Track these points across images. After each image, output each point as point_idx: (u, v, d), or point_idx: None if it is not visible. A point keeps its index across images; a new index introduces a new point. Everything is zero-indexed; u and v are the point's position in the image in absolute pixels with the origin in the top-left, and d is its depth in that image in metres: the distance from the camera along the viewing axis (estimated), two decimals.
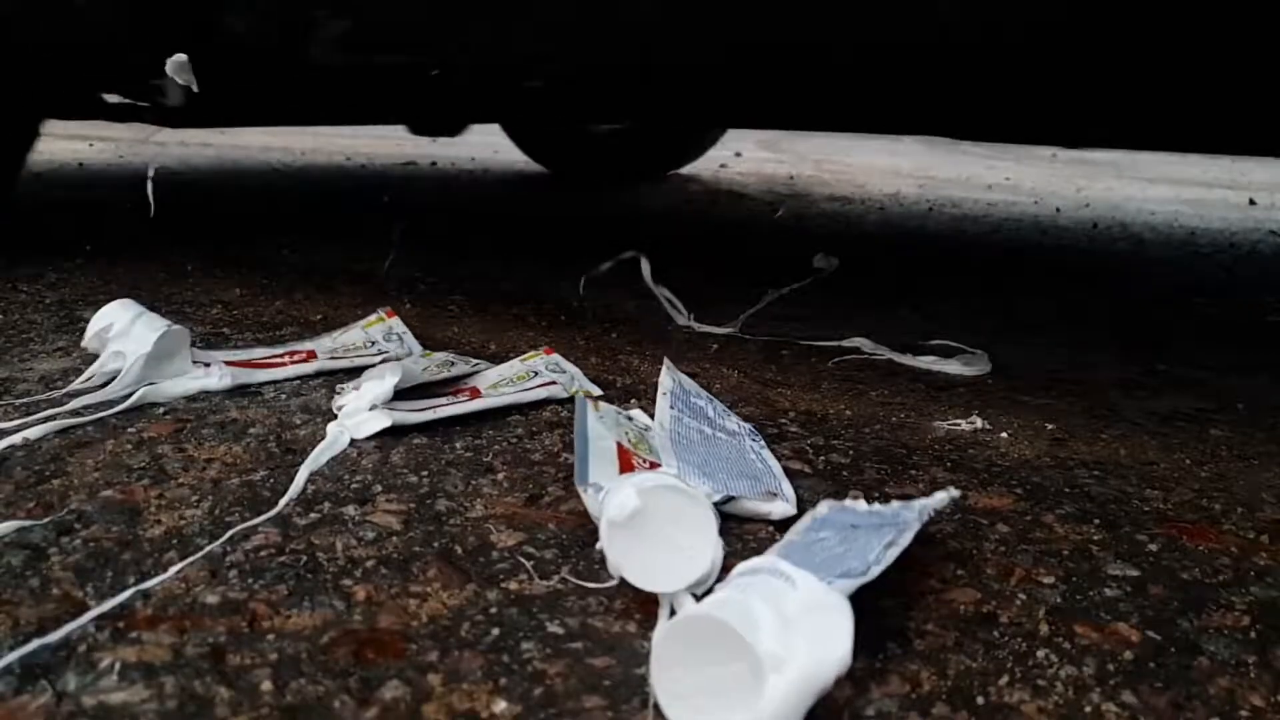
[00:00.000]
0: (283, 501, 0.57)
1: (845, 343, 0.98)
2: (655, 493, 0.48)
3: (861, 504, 0.53)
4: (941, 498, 0.54)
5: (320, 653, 0.43)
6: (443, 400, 0.73)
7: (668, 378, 0.74)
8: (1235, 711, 0.43)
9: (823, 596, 0.40)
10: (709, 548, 0.48)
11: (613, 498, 0.49)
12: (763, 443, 0.69)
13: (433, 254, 1.43)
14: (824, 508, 0.52)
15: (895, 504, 0.54)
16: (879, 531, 0.51)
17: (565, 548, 0.54)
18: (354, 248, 1.45)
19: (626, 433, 0.66)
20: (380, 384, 0.69)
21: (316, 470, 0.62)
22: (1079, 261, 1.76)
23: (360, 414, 0.68)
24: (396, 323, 0.92)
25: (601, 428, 0.65)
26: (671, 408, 0.70)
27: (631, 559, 0.48)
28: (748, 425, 0.72)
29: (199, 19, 0.94)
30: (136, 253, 1.31)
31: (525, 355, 0.82)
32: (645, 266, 1.06)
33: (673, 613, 0.46)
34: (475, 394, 0.75)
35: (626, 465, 0.61)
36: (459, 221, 1.85)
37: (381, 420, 0.68)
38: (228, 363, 0.78)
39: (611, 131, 2.46)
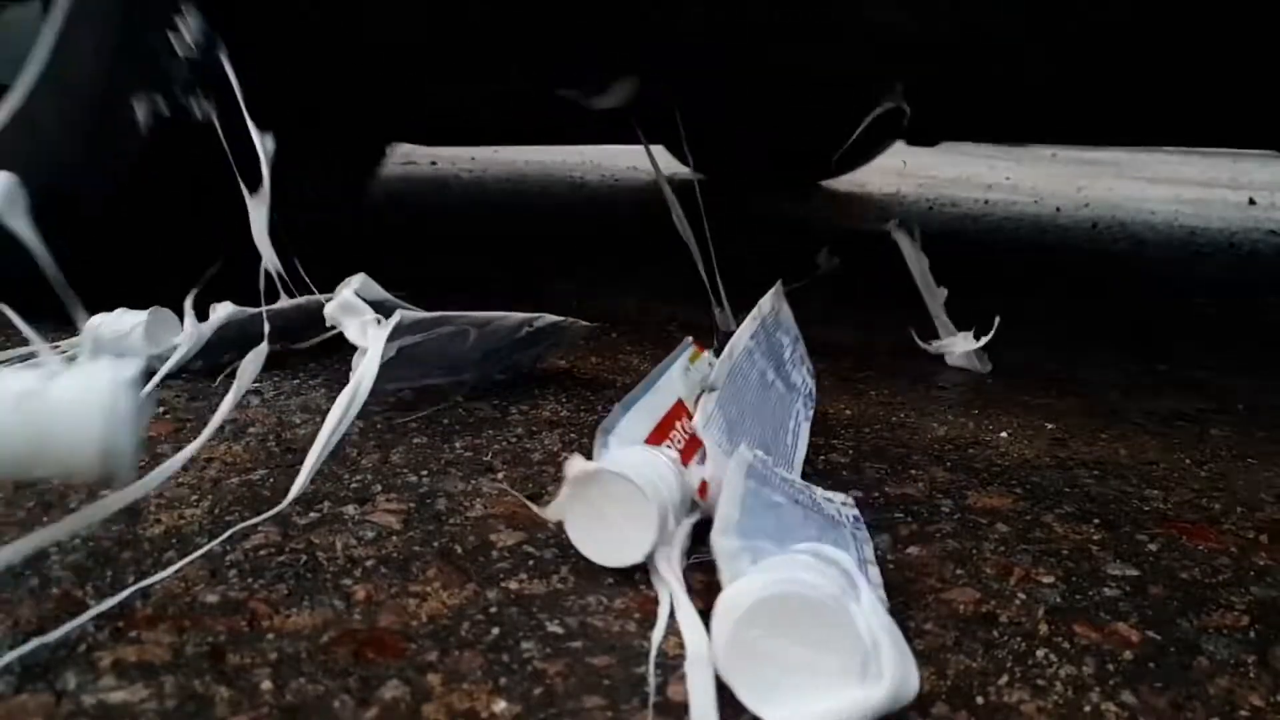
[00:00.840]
0: (294, 489, 0.57)
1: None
2: (614, 478, 0.49)
3: (774, 467, 0.54)
4: (847, 499, 0.57)
5: (320, 652, 0.43)
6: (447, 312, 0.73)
7: (769, 302, 0.71)
8: (1235, 712, 0.43)
9: (885, 616, 0.40)
10: (645, 545, 0.49)
11: (599, 454, 0.50)
12: (810, 411, 0.68)
13: (431, 253, 1.44)
14: (747, 452, 0.52)
15: (814, 490, 0.56)
16: (837, 529, 0.51)
17: (565, 547, 0.54)
18: (353, 245, 1.45)
19: (696, 386, 0.64)
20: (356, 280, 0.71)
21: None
22: (1079, 261, 1.76)
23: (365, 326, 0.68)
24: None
25: (679, 382, 0.63)
26: (751, 337, 0.67)
27: (576, 512, 0.50)
28: (810, 384, 0.70)
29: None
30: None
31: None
32: (670, 197, 1.03)
33: (670, 611, 0.46)
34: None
35: (667, 426, 0.59)
36: (457, 221, 1.85)
37: (391, 321, 0.67)
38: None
39: (770, 139, 2.40)
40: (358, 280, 0.71)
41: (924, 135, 1.80)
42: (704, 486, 0.54)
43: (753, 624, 0.38)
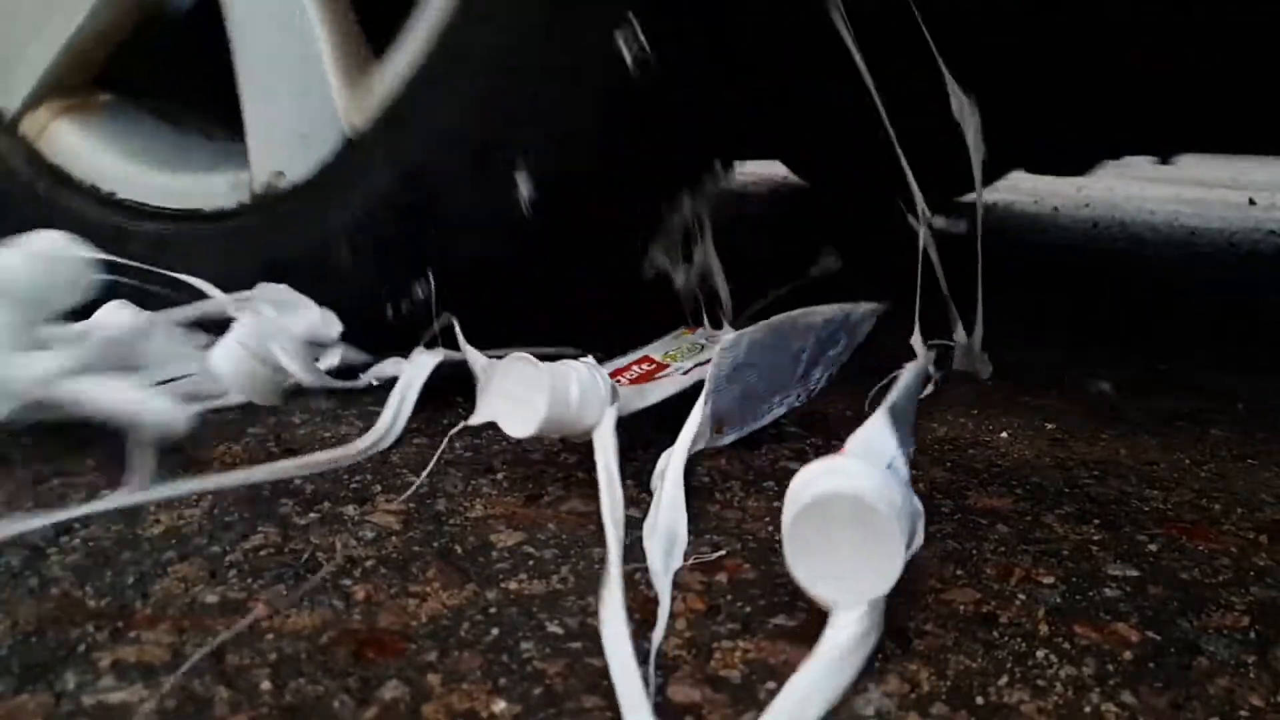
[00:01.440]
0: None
1: None
2: (512, 361, 0.60)
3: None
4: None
5: (320, 652, 0.43)
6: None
7: (861, 312, 0.77)
8: (1235, 712, 0.42)
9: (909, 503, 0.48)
10: (541, 404, 0.58)
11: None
12: (789, 409, 0.72)
13: None
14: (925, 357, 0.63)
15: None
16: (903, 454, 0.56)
17: (565, 548, 0.54)
18: None
19: (677, 349, 0.73)
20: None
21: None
22: (1079, 261, 1.76)
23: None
24: None
25: (654, 346, 0.73)
26: (824, 321, 0.72)
27: (493, 401, 0.60)
28: (818, 388, 0.75)
29: None
30: None
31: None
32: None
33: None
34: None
35: (624, 370, 0.68)
36: None
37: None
38: None
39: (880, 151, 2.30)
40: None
41: (1073, 162, 1.74)
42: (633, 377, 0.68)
43: (831, 505, 0.43)
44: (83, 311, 0.76)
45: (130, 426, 0.59)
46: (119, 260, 0.75)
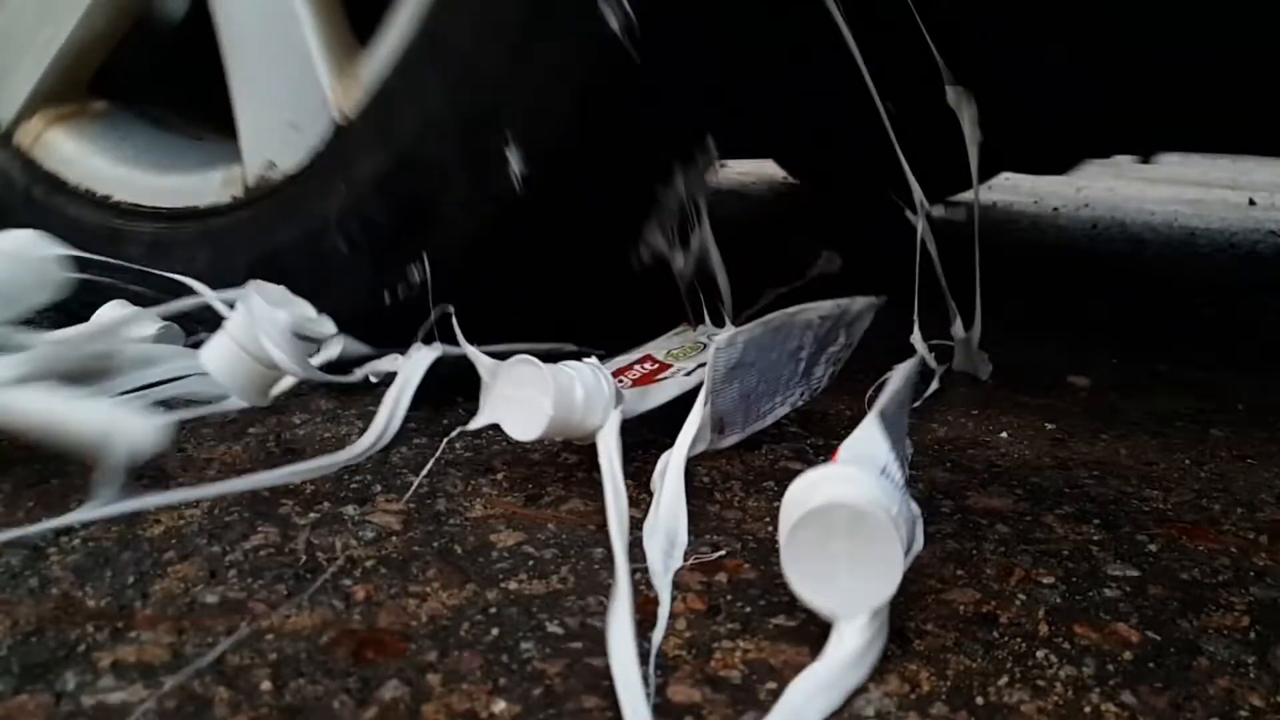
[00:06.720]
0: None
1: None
2: (518, 363, 0.60)
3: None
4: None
5: (319, 653, 0.43)
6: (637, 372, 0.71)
7: (860, 304, 0.76)
8: (1234, 712, 0.43)
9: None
10: (547, 405, 0.58)
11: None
12: (800, 403, 0.74)
13: None
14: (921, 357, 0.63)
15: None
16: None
17: (565, 548, 0.54)
18: None
19: (680, 348, 0.74)
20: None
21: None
22: (1079, 261, 1.76)
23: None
24: None
25: (656, 344, 0.75)
26: (820, 316, 0.72)
27: (497, 404, 0.60)
28: (821, 385, 0.76)
29: None
30: None
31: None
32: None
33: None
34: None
35: (625, 370, 0.69)
36: None
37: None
38: None
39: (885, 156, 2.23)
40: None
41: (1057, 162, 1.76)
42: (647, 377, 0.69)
43: (828, 515, 0.42)
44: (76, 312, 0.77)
45: (94, 443, 0.55)
46: (111, 261, 0.80)
